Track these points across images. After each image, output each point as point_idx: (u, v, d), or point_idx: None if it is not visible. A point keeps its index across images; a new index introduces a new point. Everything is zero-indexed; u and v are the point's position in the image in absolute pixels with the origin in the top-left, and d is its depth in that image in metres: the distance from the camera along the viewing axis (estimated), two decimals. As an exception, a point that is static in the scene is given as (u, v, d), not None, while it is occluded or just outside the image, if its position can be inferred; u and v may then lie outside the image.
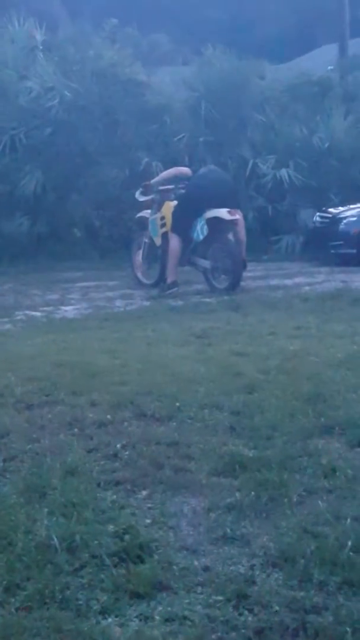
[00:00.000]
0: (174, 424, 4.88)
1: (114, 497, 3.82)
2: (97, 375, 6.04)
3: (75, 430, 4.80)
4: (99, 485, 3.95)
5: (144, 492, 3.90)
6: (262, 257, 15.24)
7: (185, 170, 12.35)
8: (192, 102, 17.62)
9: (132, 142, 16.76)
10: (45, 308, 10.39)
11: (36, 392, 5.58)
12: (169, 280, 11.61)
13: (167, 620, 2.86)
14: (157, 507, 3.73)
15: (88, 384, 5.76)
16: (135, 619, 2.87)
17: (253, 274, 12.67)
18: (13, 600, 2.97)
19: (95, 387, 5.68)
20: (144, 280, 12.36)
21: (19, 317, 9.66)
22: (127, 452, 4.38)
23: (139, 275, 12.45)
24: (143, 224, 12.38)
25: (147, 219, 12.20)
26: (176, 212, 11.65)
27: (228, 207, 11.34)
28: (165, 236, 11.82)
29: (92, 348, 7.32)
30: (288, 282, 12.17)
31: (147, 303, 10.69)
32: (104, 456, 4.35)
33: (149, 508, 3.73)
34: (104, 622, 2.84)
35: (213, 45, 18.55)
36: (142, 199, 12.22)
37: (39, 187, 15.79)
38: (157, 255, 12.06)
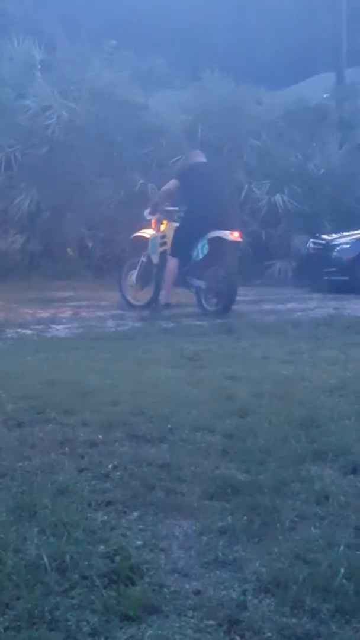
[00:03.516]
0: (166, 445, 4.85)
1: (105, 517, 3.79)
2: (89, 395, 6.01)
3: (66, 449, 4.76)
4: (89, 505, 3.91)
5: (135, 514, 3.86)
6: (255, 281, 15.26)
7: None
8: (188, 125, 17.69)
9: (127, 164, 16.82)
10: (36, 326, 10.37)
11: (27, 410, 5.55)
12: (164, 301, 11.63)
13: (157, 644, 2.82)
14: (149, 528, 3.70)
15: (79, 403, 5.73)
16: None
17: (246, 299, 12.68)
18: (1, 619, 2.93)
19: (87, 406, 5.65)
20: (134, 302, 12.34)
21: (9, 335, 9.63)
22: (118, 473, 4.35)
23: (129, 297, 12.43)
24: (137, 244, 12.37)
25: (143, 239, 12.18)
26: (177, 236, 11.66)
27: (227, 227, 11.40)
28: (163, 255, 11.84)
29: (84, 367, 7.30)
30: (281, 307, 12.18)
31: (138, 324, 10.68)
32: (95, 476, 4.31)
33: (140, 530, 3.69)
34: (93, 644, 2.80)
35: (211, 70, 18.65)
36: (149, 217, 12.22)
37: (33, 206, 15.83)
38: (151, 276, 12.05)
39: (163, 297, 11.75)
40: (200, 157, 12.30)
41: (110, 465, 4.44)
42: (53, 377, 6.61)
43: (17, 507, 3.85)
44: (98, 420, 5.29)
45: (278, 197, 16.68)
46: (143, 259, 12.18)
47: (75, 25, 18.81)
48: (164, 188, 12.25)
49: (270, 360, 7.73)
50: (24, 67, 17.56)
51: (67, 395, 5.94)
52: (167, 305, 11.66)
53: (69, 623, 2.91)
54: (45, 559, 3.30)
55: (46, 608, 2.98)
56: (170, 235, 11.78)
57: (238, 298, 11.64)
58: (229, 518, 3.76)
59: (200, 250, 11.51)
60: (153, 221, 12.13)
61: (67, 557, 3.32)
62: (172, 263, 11.66)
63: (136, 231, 12.47)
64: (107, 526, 3.69)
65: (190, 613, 3.00)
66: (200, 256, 11.51)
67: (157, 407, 5.61)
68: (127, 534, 3.62)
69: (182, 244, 11.63)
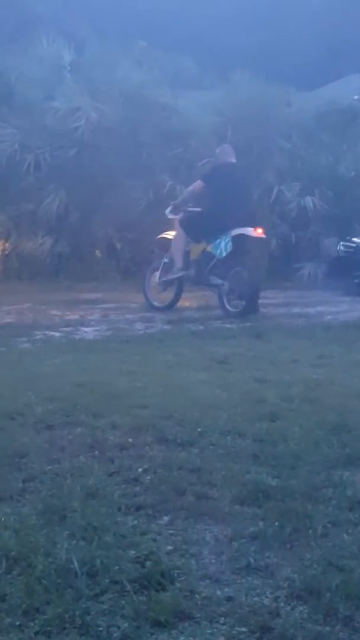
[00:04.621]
0: (196, 449, 4.83)
1: (135, 522, 3.77)
2: (118, 398, 6.01)
3: (96, 452, 4.76)
4: (119, 509, 3.91)
5: (166, 518, 3.85)
6: (284, 284, 15.21)
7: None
8: (217, 127, 17.65)
9: (156, 165, 16.81)
10: (64, 328, 10.38)
11: (56, 412, 5.55)
12: (177, 265, 11.83)
13: (189, 650, 2.81)
14: (179, 533, 3.68)
15: (108, 406, 5.72)
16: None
17: (275, 301, 12.65)
18: (32, 624, 2.92)
19: (116, 409, 5.65)
20: (156, 304, 12.37)
21: (38, 337, 9.65)
22: (148, 477, 4.33)
23: (151, 298, 12.47)
24: (164, 245, 12.39)
25: (167, 240, 12.21)
26: (196, 218, 11.79)
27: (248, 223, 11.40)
28: (185, 257, 11.87)
29: (112, 370, 7.29)
30: (310, 310, 12.12)
31: (167, 327, 10.66)
32: (124, 480, 4.31)
33: (171, 534, 3.68)
34: (124, 650, 2.79)
35: (240, 71, 18.61)
36: (171, 216, 12.24)
37: (62, 207, 15.86)
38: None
39: (175, 262, 11.90)
40: (230, 156, 12.21)
41: (140, 469, 4.43)
42: (82, 380, 6.61)
43: (46, 511, 3.85)
44: (127, 423, 5.28)
45: (308, 200, 16.62)
46: (165, 260, 12.22)
47: (104, 26, 18.83)
48: (189, 189, 12.28)
49: (300, 364, 7.70)
50: (53, 68, 17.60)
51: (96, 398, 5.94)
52: (180, 269, 11.81)
53: (100, 628, 2.90)
54: (76, 563, 3.29)
55: (77, 613, 2.97)
56: None
57: (267, 301, 11.62)
58: (261, 523, 3.74)
59: (224, 248, 11.49)
60: (176, 221, 12.14)
61: (98, 562, 3.31)
62: (180, 232, 11.87)
63: (162, 233, 12.48)
64: (137, 531, 3.68)
65: (222, 620, 2.98)
66: (224, 254, 11.49)
67: (187, 411, 5.59)
68: (157, 539, 3.61)
69: (196, 225, 11.74)
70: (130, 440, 4.96)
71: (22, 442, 4.91)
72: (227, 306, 11.59)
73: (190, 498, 4.07)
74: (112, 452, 4.76)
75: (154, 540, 3.60)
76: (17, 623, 2.91)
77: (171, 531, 3.71)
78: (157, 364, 7.71)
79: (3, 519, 3.73)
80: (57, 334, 9.94)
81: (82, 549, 3.43)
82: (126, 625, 2.92)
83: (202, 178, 12.12)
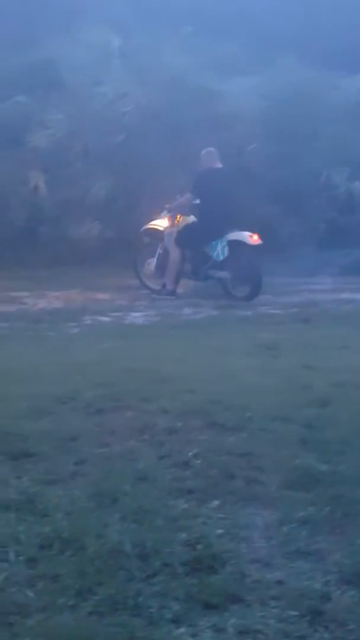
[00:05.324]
0: (245, 434, 4.84)
1: (186, 505, 3.80)
2: (167, 382, 6.04)
3: (146, 436, 4.79)
4: (170, 493, 3.93)
5: (215, 502, 3.86)
6: (332, 270, 15.10)
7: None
8: (263, 111, 17.53)
9: (201, 150, 16.74)
10: (113, 313, 10.44)
11: (106, 396, 5.59)
12: (169, 287, 12.02)
13: (240, 632, 2.82)
14: (229, 517, 3.70)
15: (157, 391, 5.75)
16: (208, 630, 2.83)
17: (322, 287, 12.60)
18: (85, 604, 2.96)
19: (165, 394, 5.67)
20: (151, 285, 12.61)
21: (87, 322, 9.71)
22: (198, 461, 4.35)
23: (148, 282, 12.71)
24: (151, 235, 12.66)
25: (156, 230, 12.47)
26: (189, 231, 12.03)
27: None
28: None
29: (161, 355, 7.31)
30: (358, 296, 12.05)
31: (214, 312, 10.68)
32: (174, 464, 4.33)
33: (221, 518, 3.69)
34: (176, 632, 2.81)
35: (285, 55, 18.45)
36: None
37: (110, 193, 15.87)
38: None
39: (168, 284, 12.06)
40: (214, 161, 12.41)
41: (189, 453, 4.45)
42: (131, 365, 6.65)
43: (97, 494, 3.88)
44: (176, 408, 5.30)
45: (357, 185, 16.50)
46: (160, 250, 12.42)
47: (151, 12, 18.76)
48: (179, 202, 12.41)
49: (349, 350, 7.67)
50: (101, 54, 17.58)
51: (145, 383, 5.98)
52: (172, 292, 11.97)
53: (151, 610, 2.93)
54: (127, 545, 3.32)
55: (129, 594, 3.01)
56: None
57: (315, 287, 11.57)
58: (310, 508, 3.75)
59: (221, 252, 11.79)
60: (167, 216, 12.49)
61: (149, 544, 3.34)
62: (176, 254, 12.00)
63: (149, 223, 12.75)
64: (188, 514, 3.70)
65: (272, 603, 2.99)
66: (221, 257, 11.81)
67: (235, 396, 5.61)
68: (207, 523, 3.63)
69: (190, 239, 11.97)
70: (179, 424, 4.98)
71: (73, 426, 4.96)
72: (232, 292, 11.92)
73: (240, 482, 4.09)
74: (162, 436, 4.79)
75: (205, 523, 3.62)
76: (71, 603, 2.95)
77: (221, 515, 3.73)
78: (205, 350, 7.72)
79: (55, 502, 3.77)
80: (106, 319, 9.99)
81: (134, 531, 3.47)
82: (178, 607, 2.95)
83: (190, 190, 12.27)
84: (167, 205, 12.52)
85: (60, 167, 16.06)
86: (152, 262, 12.52)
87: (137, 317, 10.24)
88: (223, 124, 17.00)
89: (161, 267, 12.40)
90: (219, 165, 12.38)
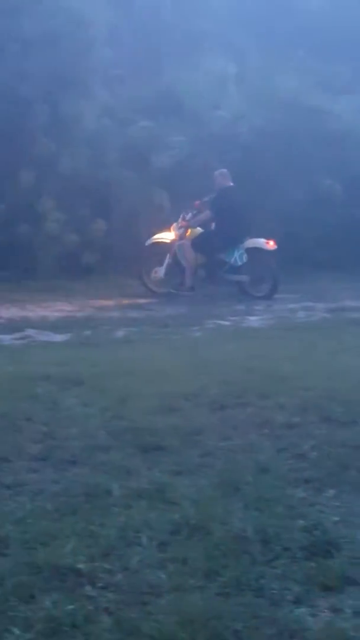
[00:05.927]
0: (359, 428, 4.77)
1: (303, 494, 3.77)
2: (284, 380, 6.00)
3: (265, 430, 4.77)
4: (288, 482, 3.91)
5: (331, 492, 3.82)
6: None
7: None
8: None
9: (314, 166, 16.59)
10: (232, 318, 10.44)
11: (228, 394, 5.59)
12: (188, 284, 12.31)
13: (356, 613, 2.78)
14: (345, 506, 3.65)
15: (275, 388, 5.72)
16: (326, 610, 2.80)
17: None
18: (212, 585, 2.96)
19: (282, 391, 5.64)
20: (157, 290, 12.74)
21: (209, 326, 9.73)
22: (314, 453, 4.31)
23: (152, 286, 12.82)
24: (157, 249, 12.75)
25: (164, 244, 12.60)
26: (202, 240, 12.36)
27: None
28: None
29: (278, 355, 7.27)
30: None
31: (328, 315, 10.55)
32: (292, 456, 4.30)
33: (337, 507, 3.65)
34: (297, 611, 2.79)
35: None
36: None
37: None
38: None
39: (187, 281, 12.31)
40: (228, 180, 12.84)
41: (306, 446, 4.42)
42: (250, 364, 6.63)
43: (222, 483, 3.89)
44: (293, 404, 5.27)
45: None
46: (169, 260, 12.56)
47: (264, 36, 18.72)
48: (199, 218, 12.65)
49: None
50: (218, 80, 17.64)
51: (264, 381, 5.95)
52: (192, 288, 12.26)
53: (274, 591, 2.92)
54: (250, 531, 3.31)
55: (252, 576, 3.00)
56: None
57: None
58: None
59: (239, 258, 12.13)
60: (172, 226, 12.72)
61: (270, 530, 3.33)
62: (192, 256, 12.26)
63: (152, 238, 12.85)
64: (305, 502, 3.67)
65: (388, 585, 2.93)
66: (239, 263, 12.15)
67: (350, 393, 5.53)
68: (324, 510, 3.60)
69: (206, 247, 12.28)
70: (296, 419, 4.95)
71: (198, 421, 4.98)
72: (251, 292, 12.27)
73: (354, 473, 4.03)
74: (280, 430, 4.77)
75: (321, 511, 3.58)
76: (199, 584, 2.96)
77: (337, 503, 3.68)
78: (319, 350, 7.63)
79: (183, 491, 3.79)
80: (226, 323, 10.00)
81: (256, 518, 3.46)
82: (298, 589, 2.93)
83: (209, 208, 12.54)
84: (186, 217, 12.71)
85: (182, 184, 16.16)
86: (160, 270, 12.71)
87: (254, 320, 10.21)
88: (334, 141, 16.83)
89: (170, 274, 12.64)
90: (231, 184, 12.87)
